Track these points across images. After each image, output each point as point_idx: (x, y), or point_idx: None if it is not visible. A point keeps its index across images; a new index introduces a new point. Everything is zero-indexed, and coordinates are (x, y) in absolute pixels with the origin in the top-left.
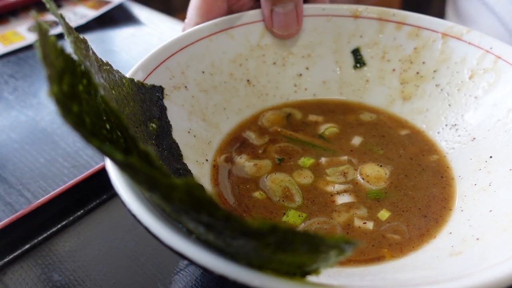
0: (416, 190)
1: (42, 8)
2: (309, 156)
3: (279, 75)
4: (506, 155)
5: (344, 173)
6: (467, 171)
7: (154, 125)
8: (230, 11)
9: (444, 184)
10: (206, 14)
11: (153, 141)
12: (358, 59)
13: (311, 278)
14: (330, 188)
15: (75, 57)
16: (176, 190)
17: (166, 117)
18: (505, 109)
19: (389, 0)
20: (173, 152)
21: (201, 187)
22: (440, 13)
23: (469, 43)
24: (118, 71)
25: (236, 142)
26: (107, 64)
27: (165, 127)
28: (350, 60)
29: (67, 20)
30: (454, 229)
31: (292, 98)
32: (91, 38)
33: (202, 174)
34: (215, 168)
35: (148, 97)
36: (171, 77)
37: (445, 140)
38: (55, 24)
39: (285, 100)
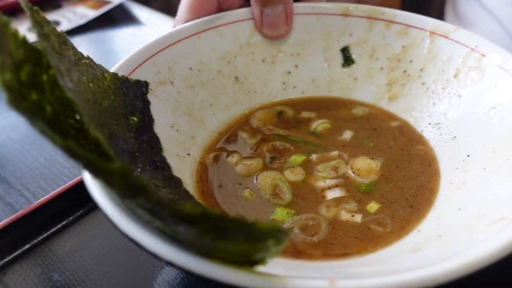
0: (406, 180)
1: (42, 8)
2: (300, 154)
3: (268, 73)
4: (483, 154)
5: (335, 168)
6: (446, 169)
7: (135, 119)
8: (220, 9)
9: (432, 173)
10: (196, 12)
11: (133, 134)
12: (347, 58)
13: (260, 268)
14: (321, 184)
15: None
16: (114, 174)
17: (149, 111)
18: (486, 107)
19: None
20: (153, 145)
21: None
22: (440, 13)
23: (456, 41)
24: (100, 66)
25: (227, 142)
26: (88, 58)
27: (147, 121)
28: (339, 59)
29: (67, 20)
30: (424, 226)
31: (280, 95)
32: (91, 38)
33: (182, 167)
34: (202, 165)
35: (132, 92)
36: (157, 73)
37: (429, 137)
38: (55, 24)
39: (274, 97)
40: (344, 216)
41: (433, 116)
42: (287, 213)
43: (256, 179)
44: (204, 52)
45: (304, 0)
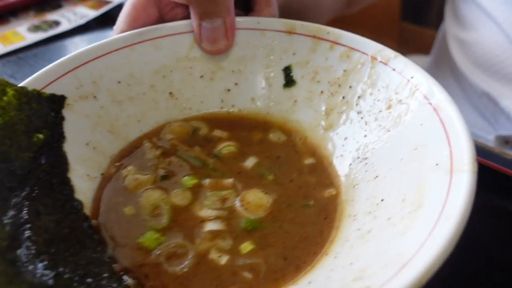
0: (292, 225)
1: (42, 8)
2: (193, 176)
3: (206, 89)
4: (394, 200)
5: (224, 198)
6: (361, 212)
7: (41, 136)
8: (162, 20)
9: (326, 226)
10: (134, 22)
11: (32, 153)
12: (289, 78)
13: None
14: (203, 213)
15: None
16: None
17: (61, 128)
18: (410, 148)
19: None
20: (56, 164)
21: None
22: (439, 14)
23: (394, 69)
24: (2, 80)
25: (130, 152)
26: None
27: (55, 138)
28: (280, 78)
29: (67, 20)
30: (315, 277)
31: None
32: (91, 38)
33: (91, 188)
34: (104, 178)
35: (43, 107)
36: (79, 87)
37: (354, 173)
38: (55, 24)
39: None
40: (213, 254)
41: (362, 150)
42: (156, 238)
43: (140, 195)
44: (137, 65)
45: (257, 11)
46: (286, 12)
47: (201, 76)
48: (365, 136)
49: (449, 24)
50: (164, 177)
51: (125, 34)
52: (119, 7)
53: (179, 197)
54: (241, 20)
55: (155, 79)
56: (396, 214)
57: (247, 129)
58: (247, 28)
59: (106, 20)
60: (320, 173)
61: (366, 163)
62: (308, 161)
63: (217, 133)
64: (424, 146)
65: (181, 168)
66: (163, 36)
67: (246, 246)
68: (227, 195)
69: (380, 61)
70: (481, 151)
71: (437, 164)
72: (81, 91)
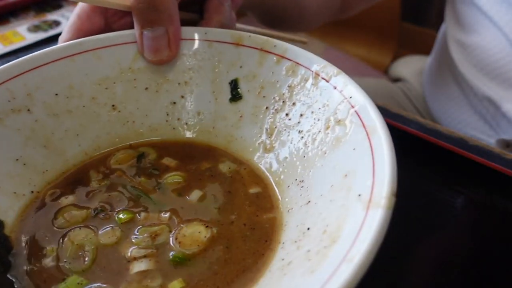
0: (226, 263)
1: (42, 8)
2: (128, 211)
3: (151, 102)
4: (316, 231)
5: (155, 234)
6: (288, 240)
7: None
8: (109, 29)
9: (265, 250)
10: (77, 32)
11: None
12: (235, 92)
13: None
14: (131, 252)
15: None
16: None
17: None
18: (341, 174)
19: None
20: None
21: None
22: (440, 14)
23: (335, 87)
24: None
25: (74, 179)
26: None
27: None
28: (227, 92)
29: (67, 20)
30: None
31: (162, 127)
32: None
33: (15, 207)
34: (37, 199)
35: None
36: (11, 99)
37: (290, 196)
38: (55, 24)
39: (154, 130)
40: None
41: (300, 172)
42: (78, 283)
43: (65, 236)
44: (77, 77)
45: (208, 20)
46: (267, 19)
47: (146, 88)
48: (304, 157)
49: (449, 27)
50: (98, 212)
51: (64, 44)
52: None
53: (108, 235)
54: (187, 30)
55: (97, 91)
56: (315, 247)
57: (197, 157)
58: (194, 38)
59: None
60: (263, 198)
61: (302, 187)
62: (254, 190)
63: (166, 161)
64: (353, 174)
65: (120, 202)
66: (106, 47)
67: (175, 285)
68: (159, 231)
69: (323, 78)
70: (481, 151)
71: (359, 195)
72: (13, 104)
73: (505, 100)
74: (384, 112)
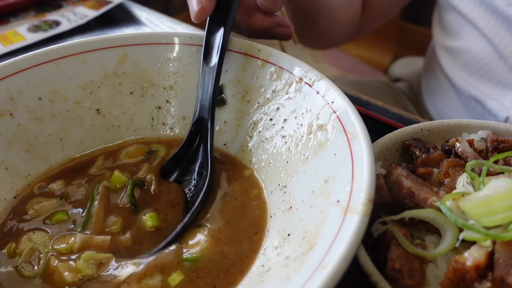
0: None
1: (42, 8)
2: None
3: (136, 106)
4: (296, 237)
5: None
6: (270, 246)
7: None
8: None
9: (255, 245)
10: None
11: None
12: (220, 97)
13: None
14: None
15: None
16: None
17: None
18: (322, 179)
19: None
20: None
21: None
22: None
23: (317, 92)
24: None
25: (77, 166)
26: None
27: None
28: None
29: (67, 20)
30: None
31: (147, 132)
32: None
33: None
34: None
35: None
36: None
37: (272, 202)
38: (55, 24)
39: (139, 134)
40: None
41: (283, 177)
42: None
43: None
44: (60, 81)
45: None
46: (300, 17)
47: (131, 93)
48: (287, 162)
49: (435, 34)
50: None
51: (47, 48)
52: (119, 7)
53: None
54: (171, 35)
55: (81, 95)
56: (294, 254)
57: None
58: (179, 43)
59: (106, 20)
60: (258, 203)
61: (285, 192)
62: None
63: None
64: (333, 179)
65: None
66: (90, 51)
67: (175, 278)
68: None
69: (306, 83)
70: None
71: (338, 201)
72: None
73: (489, 98)
74: (383, 112)
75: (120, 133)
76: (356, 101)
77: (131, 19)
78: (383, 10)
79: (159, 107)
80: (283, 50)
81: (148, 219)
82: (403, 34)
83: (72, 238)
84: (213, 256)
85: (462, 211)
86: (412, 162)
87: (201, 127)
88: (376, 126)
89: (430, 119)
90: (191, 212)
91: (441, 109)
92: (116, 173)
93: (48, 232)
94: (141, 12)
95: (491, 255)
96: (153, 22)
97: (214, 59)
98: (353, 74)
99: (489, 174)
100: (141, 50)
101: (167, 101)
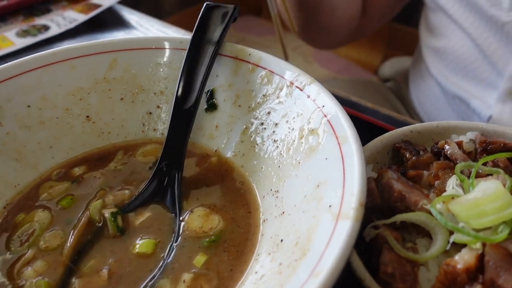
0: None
1: (31, 13)
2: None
3: (126, 112)
4: (289, 243)
5: None
6: (264, 252)
7: None
8: None
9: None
10: None
11: None
12: (211, 102)
13: None
14: None
15: None
16: None
17: None
18: (314, 184)
19: None
20: None
21: None
22: None
23: (308, 96)
24: None
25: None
26: None
27: None
28: (203, 102)
29: (56, 24)
30: None
31: (139, 137)
32: (81, 42)
33: None
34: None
35: None
36: None
37: (265, 207)
38: (44, 28)
39: (130, 140)
40: None
41: (275, 182)
42: None
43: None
44: (50, 88)
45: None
46: (302, 11)
47: (121, 99)
48: (279, 167)
49: (422, 35)
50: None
51: (36, 54)
52: (108, 10)
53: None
54: (161, 39)
55: (71, 102)
56: (287, 260)
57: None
58: (168, 47)
59: (95, 24)
60: (250, 208)
61: (277, 197)
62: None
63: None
64: (325, 184)
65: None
66: (80, 56)
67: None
68: None
69: (297, 87)
70: None
71: (330, 206)
72: None
73: (473, 97)
74: (374, 113)
75: (111, 139)
76: (346, 103)
77: (121, 23)
78: (382, 11)
79: (150, 113)
80: (281, 40)
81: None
82: (392, 34)
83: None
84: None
85: (452, 214)
86: (402, 164)
87: (169, 171)
88: (366, 128)
89: (419, 118)
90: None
91: (428, 108)
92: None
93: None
94: (131, 15)
95: (481, 257)
96: (144, 26)
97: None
98: (344, 75)
99: (478, 176)
100: (131, 55)
101: (158, 107)
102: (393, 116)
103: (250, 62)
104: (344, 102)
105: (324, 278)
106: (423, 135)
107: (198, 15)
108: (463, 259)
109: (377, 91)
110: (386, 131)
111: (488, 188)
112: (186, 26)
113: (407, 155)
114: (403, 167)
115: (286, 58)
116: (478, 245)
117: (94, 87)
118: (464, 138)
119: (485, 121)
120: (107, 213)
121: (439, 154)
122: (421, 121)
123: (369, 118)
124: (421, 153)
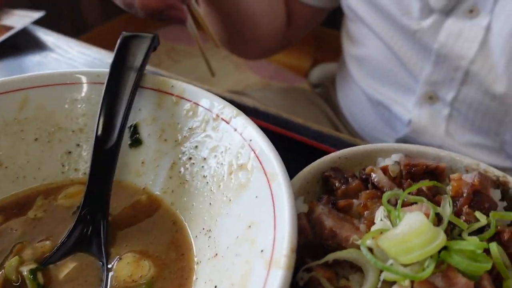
0: None
1: None
2: None
3: (43, 154)
4: None
5: None
6: None
7: None
8: None
9: None
10: None
11: None
12: (135, 137)
13: None
14: None
15: None
16: None
17: None
18: (246, 224)
19: None
20: None
21: None
22: None
23: (235, 129)
24: None
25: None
26: None
27: None
28: (126, 137)
29: None
30: None
31: (59, 178)
32: None
33: None
34: None
35: None
36: None
37: (198, 248)
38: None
39: (50, 183)
40: None
41: (208, 221)
42: None
43: None
44: None
45: None
46: (226, 25)
47: (36, 139)
48: (210, 204)
49: (344, 43)
50: None
51: None
52: (22, 32)
53: None
54: (75, 74)
55: None
56: None
57: None
58: (85, 82)
59: (7, 48)
60: (182, 249)
61: (210, 237)
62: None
63: None
64: (257, 224)
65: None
66: None
67: None
68: None
69: (223, 119)
70: None
71: (262, 251)
72: None
73: (394, 103)
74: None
75: (28, 184)
76: (277, 122)
77: (36, 45)
78: (307, 20)
79: (70, 152)
80: (206, 61)
81: None
82: (320, 38)
83: None
84: None
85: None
86: (333, 193)
87: (93, 217)
88: (297, 149)
89: (348, 124)
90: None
91: (355, 114)
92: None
93: None
94: (47, 37)
95: None
96: (61, 47)
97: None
98: (276, 80)
99: (405, 204)
100: (44, 92)
101: (78, 145)
102: (323, 132)
103: (173, 94)
104: (275, 121)
105: None
106: (351, 160)
107: (122, 28)
108: None
109: (307, 99)
110: (317, 149)
111: (413, 222)
112: (110, 41)
113: (337, 184)
114: (333, 196)
115: (212, 74)
116: (406, 282)
117: (3, 129)
118: (389, 161)
119: (406, 125)
120: (25, 271)
121: (367, 180)
122: (351, 127)
123: (301, 138)
124: (350, 180)
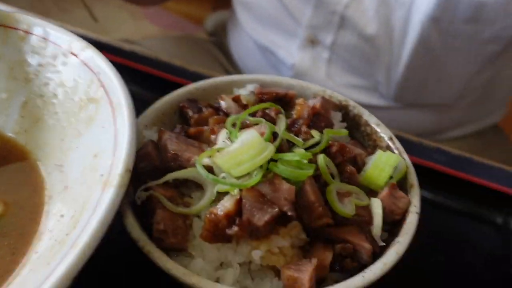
0: None
1: None
2: None
3: None
4: (67, 218)
5: None
6: (46, 230)
7: None
8: None
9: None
10: None
11: None
12: None
13: None
14: None
15: None
16: None
17: None
18: (92, 154)
19: None
20: None
21: None
22: None
23: (85, 63)
24: None
25: None
26: None
27: None
28: None
29: None
30: None
31: None
32: None
33: None
34: None
35: None
36: None
37: (51, 183)
38: None
39: None
40: None
41: (59, 156)
42: None
43: None
44: None
45: None
46: None
47: None
48: (62, 140)
49: None
50: None
51: None
52: None
53: None
54: None
55: None
56: (60, 236)
57: None
58: None
59: None
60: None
61: (62, 171)
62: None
63: None
64: (102, 154)
65: None
66: None
67: None
68: None
69: (72, 53)
70: None
71: (101, 175)
72: None
73: (279, 47)
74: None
75: None
76: (167, 68)
77: None
78: None
79: None
80: (90, 11)
81: None
82: None
83: None
84: None
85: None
86: (188, 123)
87: None
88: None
89: (240, 73)
90: None
91: (245, 60)
92: None
93: None
94: None
95: (240, 202)
96: None
97: None
98: (174, 30)
99: (248, 126)
100: None
101: None
102: (199, 72)
103: (20, 29)
104: (165, 67)
105: (81, 249)
106: (208, 92)
107: None
108: (223, 206)
109: (202, 48)
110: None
111: (246, 139)
112: None
113: (190, 113)
114: (188, 126)
115: (94, 20)
116: (236, 192)
117: None
118: (244, 91)
119: (290, 68)
120: None
121: (219, 109)
122: (241, 73)
123: (181, 80)
124: (203, 110)
